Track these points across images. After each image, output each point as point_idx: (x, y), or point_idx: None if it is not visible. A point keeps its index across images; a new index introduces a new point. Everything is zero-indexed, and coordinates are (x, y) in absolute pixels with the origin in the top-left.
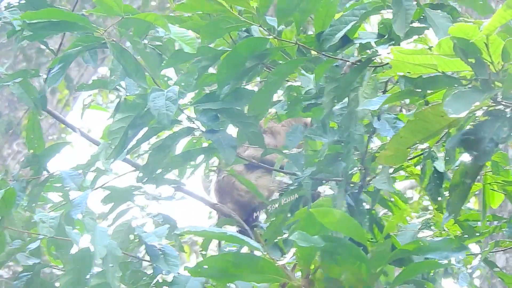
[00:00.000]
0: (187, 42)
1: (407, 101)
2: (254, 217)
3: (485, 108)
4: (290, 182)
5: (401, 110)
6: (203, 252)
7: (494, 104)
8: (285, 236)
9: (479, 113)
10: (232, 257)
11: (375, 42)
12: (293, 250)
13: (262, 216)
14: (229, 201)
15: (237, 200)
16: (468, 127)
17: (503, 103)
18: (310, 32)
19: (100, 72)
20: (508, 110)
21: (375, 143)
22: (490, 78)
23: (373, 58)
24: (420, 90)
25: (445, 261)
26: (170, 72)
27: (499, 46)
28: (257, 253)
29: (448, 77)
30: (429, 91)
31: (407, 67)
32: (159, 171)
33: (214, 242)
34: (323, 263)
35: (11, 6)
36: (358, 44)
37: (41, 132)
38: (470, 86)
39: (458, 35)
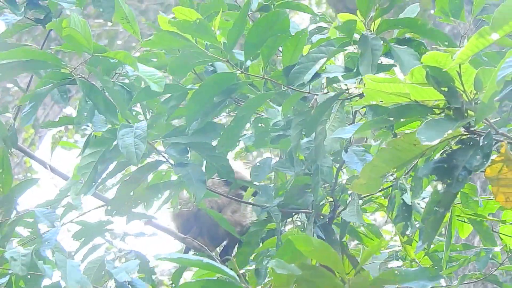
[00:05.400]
0: (155, 81)
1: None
2: (225, 251)
3: (458, 137)
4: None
5: (366, 141)
6: (173, 286)
7: (467, 133)
8: (253, 267)
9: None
10: (208, 283)
11: (342, 76)
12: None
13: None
14: (198, 235)
15: (209, 234)
16: (439, 155)
17: (476, 131)
18: (278, 66)
19: (65, 111)
20: (480, 138)
21: (345, 174)
22: (463, 107)
23: (342, 92)
24: (393, 118)
25: None
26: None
27: (472, 75)
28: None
29: (421, 105)
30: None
31: (379, 96)
32: (127, 204)
33: (184, 277)
34: None
35: None
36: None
37: (9, 166)
38: (443, 114)
39: (431, 64)
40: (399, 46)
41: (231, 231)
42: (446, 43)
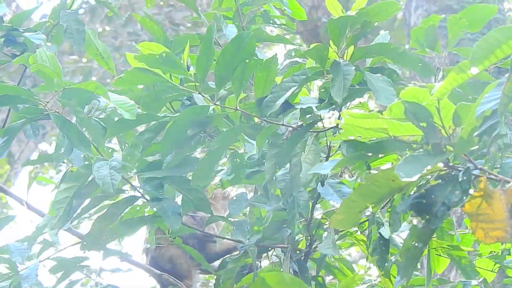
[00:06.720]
0: (127, 109)
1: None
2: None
3: (437, 172)
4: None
5: (341, 175)
6: None
7: (446, 168)
8: None
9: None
10: None
11: (316, 107)
12: None
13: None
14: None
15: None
16: (416, 191)
17: (455, 167)
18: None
19: (41, 147)
20: (459, 174)
21: (319, 210)
22: (442, 142)
23: (315, 123)
24: (371, 154)
25: None
26: (114, 144)
27: (450, 110)
28: None
29: (399, 141)
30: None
31: (357, 131)
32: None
33: None
34: None
35: None
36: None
37: None
38: (421, 150)
39: (409, 99)
40: (372, 74)
41: (205, 266)
42: (420, 65)
